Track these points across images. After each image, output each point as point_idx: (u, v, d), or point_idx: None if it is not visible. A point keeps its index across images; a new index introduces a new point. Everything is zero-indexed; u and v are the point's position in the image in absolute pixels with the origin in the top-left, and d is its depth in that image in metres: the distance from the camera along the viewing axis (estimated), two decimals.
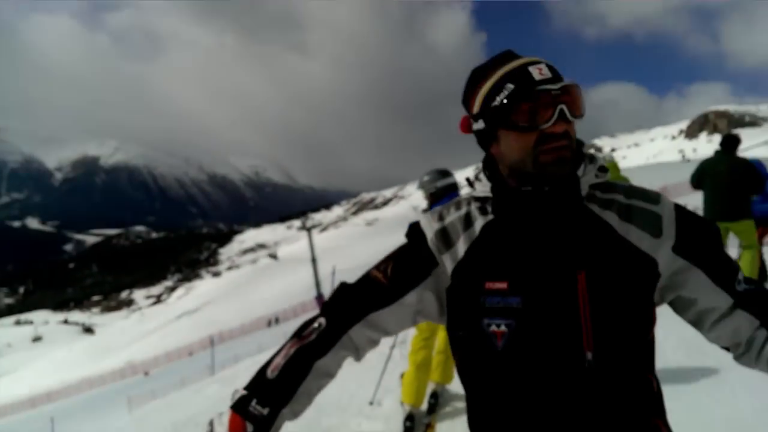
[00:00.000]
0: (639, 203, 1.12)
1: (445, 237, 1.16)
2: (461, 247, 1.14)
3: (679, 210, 1.13)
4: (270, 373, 1.14)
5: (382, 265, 1.23)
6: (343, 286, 1.26)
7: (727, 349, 1.17)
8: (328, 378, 1.19)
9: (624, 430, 1.05)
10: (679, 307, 1.16)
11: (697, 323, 1.16)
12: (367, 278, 1.23)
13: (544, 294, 1.04)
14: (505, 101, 1.04)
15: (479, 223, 1.15)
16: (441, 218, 1.19)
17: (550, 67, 1.06)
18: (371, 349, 1.24)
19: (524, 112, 1.03)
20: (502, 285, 1.06)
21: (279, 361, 1.15)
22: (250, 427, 1.08)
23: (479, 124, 1.11)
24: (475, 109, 1.12)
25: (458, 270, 1.13)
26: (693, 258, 1.10)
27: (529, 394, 1.05)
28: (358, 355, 1.22)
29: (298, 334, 1.20)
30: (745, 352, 1.12)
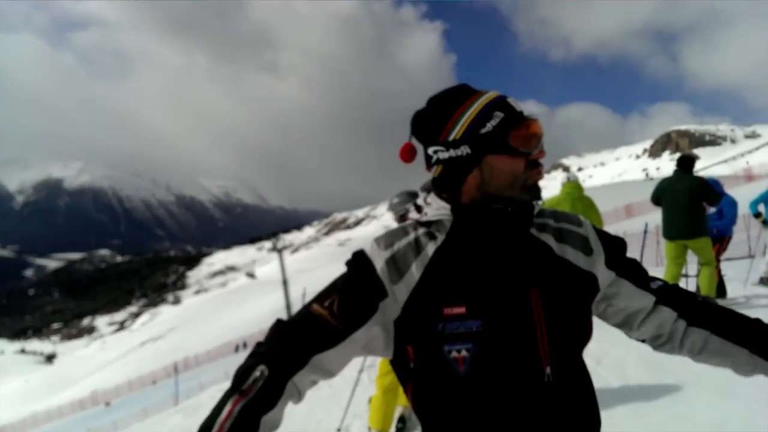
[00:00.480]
0: (567, 226, 1.21)
1: (396, 265, 1.12)
2: (415, 274, 1.11)
3: (596, 229, 1.25)
4: None
5: (326, 300, 1.13)
6: (281, 325, 1.12)
7: (642, 341, 1.28)
8: (275, 429, 1.05)
9: None
10: (608, 315, 1.26)
11: (624, 325, 1.26)
12: (309, 316, 1.11)
13: (502, 314, 1.06)
14: (496, 128, 1.10)
15: (430, 248, 1.13)
16: (388, 246, 1.15)
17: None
18: (311, 389, 1.14)
19: (518, 138, 1.10)
20: (461, 309, 1.05)
21: (224, 422, 0.98)
22: None
23: (460, 151, 1.12)
24: (454, 135, 1.13)
25: (413, 298, 1.10)
26: (619, 269, 1.21)
27: (494, 415, 1.06)
28: (300, 399, 1.09)
29: (238, 387, 1.02)
30: (666, 342, 1.23)
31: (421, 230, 1.17)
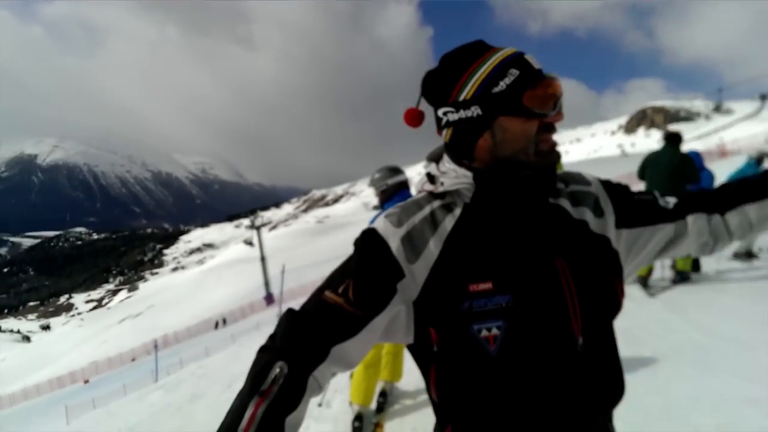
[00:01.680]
0: (578, 187, 1.17)
1: (412, 243, 1.04)
2: (434, 250, 1.04)
3: (604, 183, 1.22)
4: None
5: (339, 285, 1.04)
6: (295, 316, 1.04)
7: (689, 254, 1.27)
8: (298, 427, 0.97)
9: (613, 407, 1.11)
10: (641, 261, 1.23)
11: (670, 254, 1.24)
12: (324, 304, 1.03)
13: (531, 287, 1.01)
14: (510, 87, 1.01)
15: (448, 221, 1.06)
16: (402, 222, 1.07)
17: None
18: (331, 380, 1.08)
19: (534, 98, 1.00)
20: (487, 285, 0.99)
21: (247, 428, 0.90)
22: None
23: (470, 111, 1.04)
24: (465, 95, 1.04)
25: (434, 276, 1.03)
26: (631, 223, 1.18)
27: (527, 390, 1.02)
28: (321, 392, 1.02)
29: (257, 387, 0.94)
30: (716, 243, 1.23)
31: (436, 203, 1.10)
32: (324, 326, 1.01)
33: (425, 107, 1.15)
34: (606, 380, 1.08)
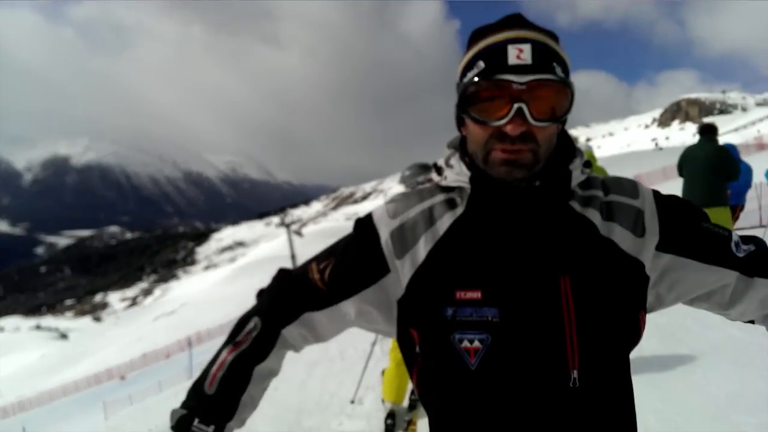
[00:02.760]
0: (619, 198, 1.01)
1: (403, 237, 0.99)
2: (422, 250, 0.97)
3: (659, 199, 1.03)
4: (208, 387, 1.03)
5: (323, 261, 1.08)
6: (282, 276, 1.13)
7: (752, 321, 1.09)
8: (271, 377, 1.10)
9: None
10: (690, 302, 1.07)
11: (711, 308, 1.08)
12: (304, 275, 1.08)
13: (523, 303, 0.91)
14: (469, 84, 0.91)
15: (446, 219, 0.99)
16: (398, 214, 1.01)
17: (541, 50, 0.89)
18: (306, 345, 1.14)
19: (481, 102, 0.90)
20: (476, 294, 0.91)
21: (216, 372, 1.04)
22: None
23: (456, 101, 0.97)
24: (457, 82, 0.97)
25: (418, 277, 0.97)
26: (679, 250, 1.00)
27: (506, 417, 0.92)
28: (296, 350, 1.13)
29: (233, 339, 1.07)
30: None
31: (440, 197, 1.02)
32: (298, 295, 1.07)
33: None
34: (605, 426, 0.93)
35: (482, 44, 0.92)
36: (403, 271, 0.98)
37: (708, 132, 6.04)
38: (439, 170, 1.05)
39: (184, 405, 1.04)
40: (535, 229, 0.94)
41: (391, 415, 3.89)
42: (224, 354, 1.05)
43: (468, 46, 0.97)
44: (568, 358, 0.89)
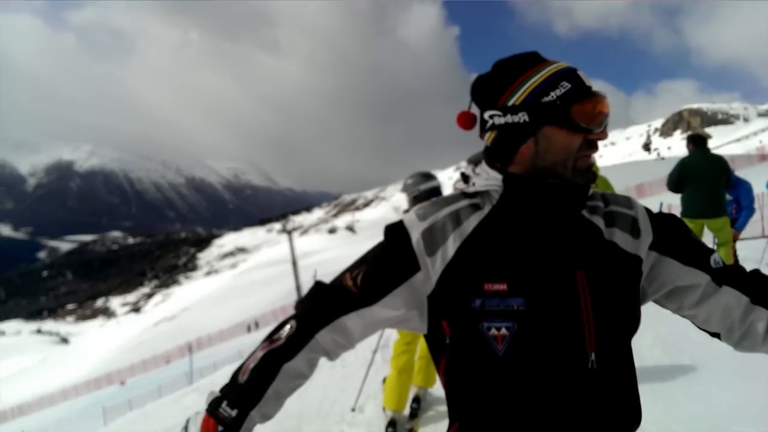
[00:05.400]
0: (617, 209, 1.17)
1: (432, 237, 1.08)
2: (451, 247, 1.07)
3: (650, 211, 1.21)
4: (241, 376, 1.14)
5: (355, 270, 1.16)
6: (319, 287, 1.21)
7: (718, 336, 1.19)
8: (300, 379, 1.18)
9: (626, 428, 1.09)
10: (651, 293, 1.19)
11: (680, 308, 1.20)
12: (339, 284, 1.17)
13: (546, 294, 1.02)
14: (560, 98, 1.03)
15: (472, 220, 1.09)
16: (427, 216, 1.11)
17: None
18: (342, 351, 1.21)
19: (582, 112, 1.03)
20: (502, 286, 1.02)
21: (249, 364, 1.15)
22: (219, 428, 1.09)
23: (517, 117, 1.06)
24: (514, 101, 1.07)
25: (448, 272, 1.06)
26: (664, 250, 1.15)
27: (532, 398, 1.03)
28: (330, 357, 1.20)
29: (270, 337, 1.19)
30: (746, 336, 1.14)
31: (466, 201, 1.13)
32: (333, 301, 1.15)
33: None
34: (618, 403, 1.07)
35: (551, 70, 1.06)
36: (434, 268, 1.07)
37: (703, 143, 6.02)
38: (466, 178, 1.17)
39: (221, 389, 1.15)
40: (555, 228, 1.07)
41: (392, 423, 3.88)
42: (259, 350, 1.17)
43: (512, 76, 1.09)
44: (586, 343, 1.02)
